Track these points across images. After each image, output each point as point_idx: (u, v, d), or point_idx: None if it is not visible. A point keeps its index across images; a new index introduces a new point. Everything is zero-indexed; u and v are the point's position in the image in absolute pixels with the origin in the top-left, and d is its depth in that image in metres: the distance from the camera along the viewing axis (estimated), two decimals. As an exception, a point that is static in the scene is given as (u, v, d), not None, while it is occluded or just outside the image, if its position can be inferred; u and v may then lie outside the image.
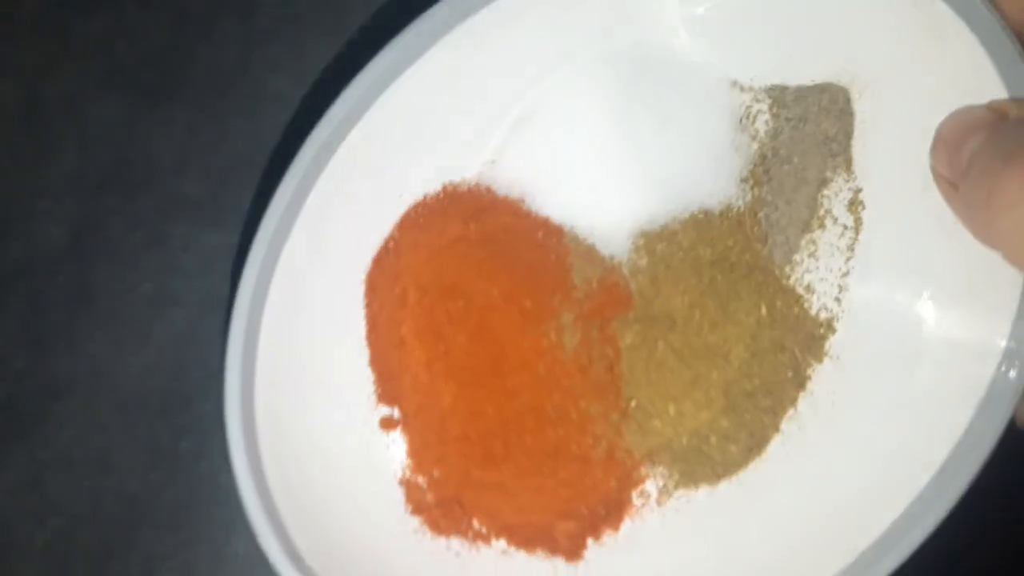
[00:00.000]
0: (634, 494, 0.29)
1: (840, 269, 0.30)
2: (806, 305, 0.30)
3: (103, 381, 0.34)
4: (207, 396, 0.34)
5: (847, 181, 0.30)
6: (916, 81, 0.28)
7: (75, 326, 0.35)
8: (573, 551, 0.29)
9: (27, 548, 0.34)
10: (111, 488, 0.34)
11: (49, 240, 0.35)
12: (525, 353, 0.28)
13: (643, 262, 0.30)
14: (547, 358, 0.28)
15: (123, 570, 0.34)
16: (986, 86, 0.26)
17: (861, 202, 0.30)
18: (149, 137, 0.35)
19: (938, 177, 0.27)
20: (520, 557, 0.29)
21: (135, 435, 0.34)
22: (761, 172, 0.30)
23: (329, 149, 0.27)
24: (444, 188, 0.30)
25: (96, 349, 0.34)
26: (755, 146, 0.30)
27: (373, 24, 0.35)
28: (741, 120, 0.31)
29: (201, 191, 0.35)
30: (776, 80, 0.31)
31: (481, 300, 0.29)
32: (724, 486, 0.29)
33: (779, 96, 0.30)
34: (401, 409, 0.30)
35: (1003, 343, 0.26)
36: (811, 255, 0.30)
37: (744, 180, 0.30)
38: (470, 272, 0.29)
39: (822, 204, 0.30)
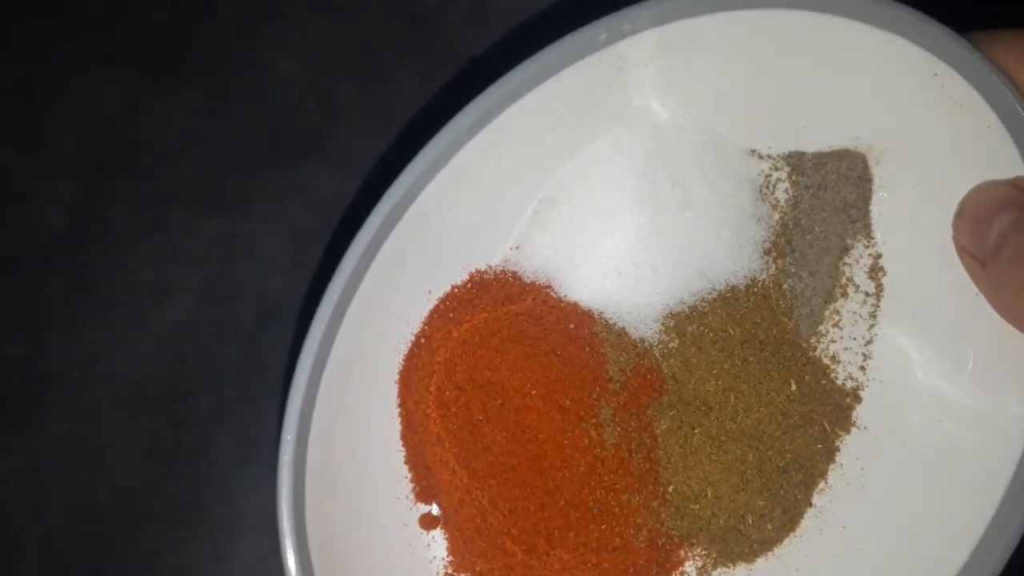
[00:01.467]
0: (675, 575, 0.30)
1: (864, 337, 0.30)
2: (833, 376, 0.30)
3: (101, 371, 0.34)
4: (208, 389, 0.33)
5: (867, 247, 0.30)
6: (934, 149, 0.28)
7: (73, 314, 0.34)
8: (619, 639, 0.29)
9: (24, 542, 0.33)
10: (108, 481, 0.33)
11: (47, 225, 0.34)
12: (565, 451, 0.28)
13: (674, 344, 0.30)
14: (587, 455, 0.28)
15: (121, 566, 0.33)
16: (1004, 158, 0.27)
17: (882, 268, 0.30)
18: (150, 119, 0.34)
19: (961, 252, 0.28)
20: (567, 649, 0.29)
21: (133, 427, 0.33)
22: (784, 243, 0.30)
23: (367, 260, 0.27)
24: (471, 277, 0.30)
25: (94, 338, 0.34)
26: (776, 216, 0.31)
27: (378, 2, 0.35)
28: (761, 189, 0.31)
29: (203, 176, 0.34)
30: (794, 147, 0.30)
31: (519, 400, 0.28)
32: (760, 563, 0.30)
33: (797, 163, 0.30)
34: (441, 506, 0.30)
35: None
36: (835, 325, 0.30)
37: (767, 252, 0.30)
38: (506, 370, 0.29)
39: (844, 272, 0.30)
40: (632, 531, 0.29)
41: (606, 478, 0.29)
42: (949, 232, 0.28)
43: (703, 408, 0.29)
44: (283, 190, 0.34)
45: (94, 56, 0.35)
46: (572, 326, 0.29)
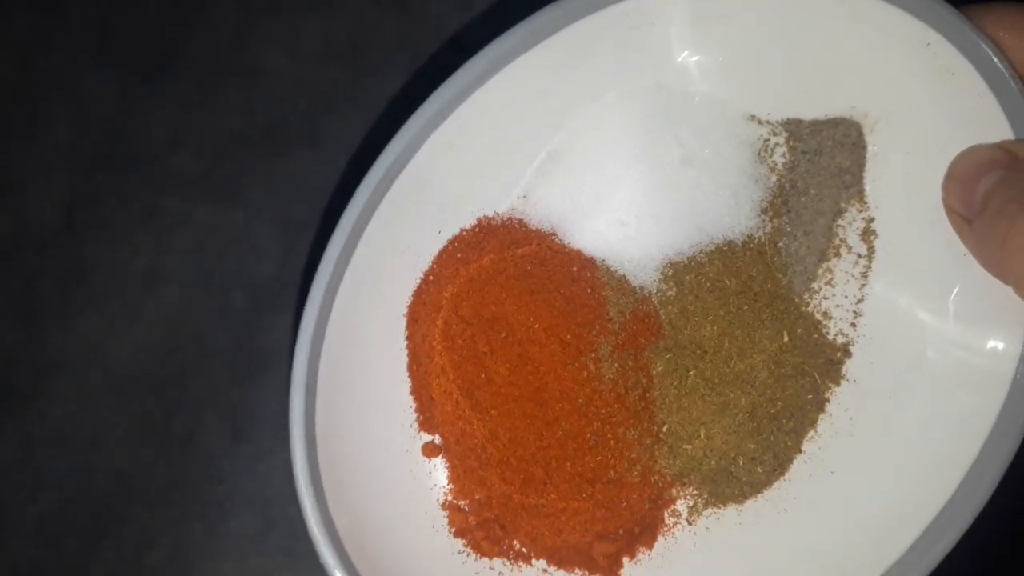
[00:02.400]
0: (666, 513, 0.31)
1: (855, 296, 0.31)
2: (824, 331, 0.31)
3: (95, 357, 0.34)
4: (200, 373, 0.34)
5: (860, 211, 0.32)
6: (926, 117, 0.30)
7: (67, 302, 0.34)
8: (610, 570, 0.30)
9: (19, 524, 0.34)
10: (103, 464, 0.34)
11: (42, 215, 0.35)
12: (565, 383, 0.30)
13: (672, 292, 0.31)
14: (586, 388, 0.30)
15: (116, 546, 0.34)
16: (993, 124, 0.28)
17: (874, 231, 0.31)
18: (143, 112, 0.35)
19: (950, 211, 0.29)
20: (560, 576, 0.30)
21: (127, 412, 0.34)
22: (780, 203, 0.32)
23: (379, 194, 0.28)
24: (479, 222, 0.31)
25: (88, 325, 0.34)
26: (774, 178, 0.32)
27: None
28: (759, 152, 0.32)
29: (195, 166, 0.35)
30: (792, 114, 0.32)
31: (522, 333, 0.30)
32: (750, 504, 0.31)
33: (795, 129, 0.32)
34: (442, 436, 0.31)
35: (1013, 370, 0.28)
36: (828, 283, 0.32)
37: (764, 211, 0.32)
38: (511, 305, 0.30)
39: (837, 234, 0.32)
40: (626, 465, 0.30)
41: (603, 411, 0.30)
42: (939, 197, 0.29)
43: (698, 352, 0.31)
44: (273, 179, 0.35)
45: (87, 51, 0.36)
46: (575, 269, 0.31)
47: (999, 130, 0.28)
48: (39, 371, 0.34)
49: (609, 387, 0.30)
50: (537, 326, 0.30)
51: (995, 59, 0.27)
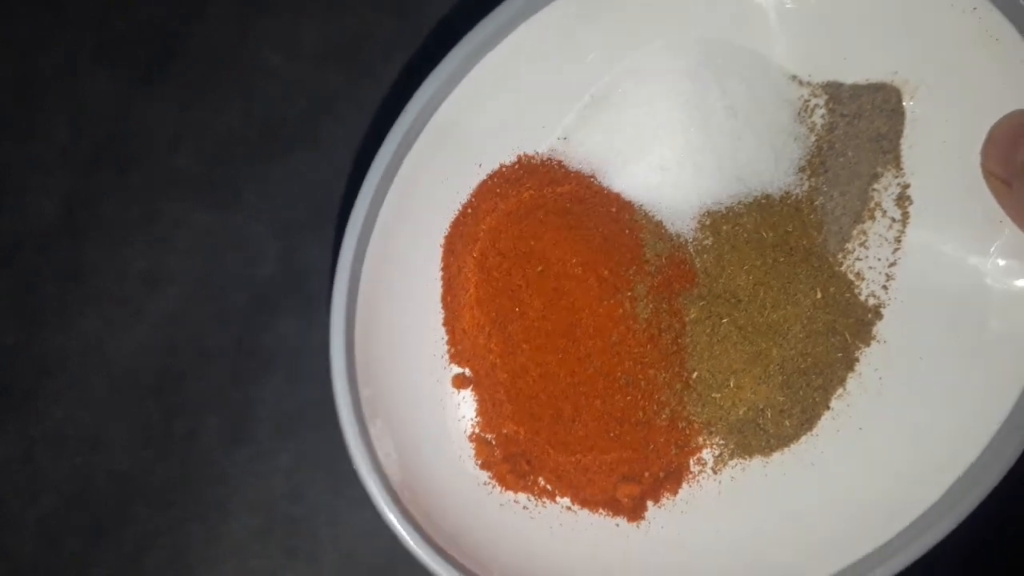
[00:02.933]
0: (692, 461, 0.31)
1: (888, 259, 0.32)
2: (856, 291, 0.31)
3: (95, 358, 0.34)
4: (200, 375, 0.34)
5: (896, 177, 0.32)
6: (966, 83, 0.30)
7: (67, 302, 0.34)
8: (634, 512, 0.30)
9: (19, 524, 0.34)
10: (103, 465, 0.34)
11: (41, 216, 0.34)
12: (600, 320, 0.29)
13: (708, 241, 0.31)
14: (620, 326, 0.29)
15: (115, 547, 0.34)
16: None
17: (909, 197, 0.31)
18: (142, 113, 0.35)
19: (988, 175, 0.29)
20: (584, 514, 0.30)
21: (127, 413, 0.34)
22: (818, 163, 0.32)
23: (420, 122, 0.28)
24: (519, 159, 0.31)
25: (88, 326, 0.34)
26: (812, 138, 0.32)
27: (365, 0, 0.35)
28: (799, 112, 0.32)
29: (195, 168, 0.35)
30: (833, 77, 0.32)
31: (559, 267, 0.30)
32: (777, 457, 0.31)
33: (835, 92, 0.32)
34: (472, 369, 0.31)
35: None
36: (862, 244, 0.32)
37: (802, 170, 0.32)
38: (548, 240, 0.30)
39: (872, 197, 0.32)
40: (655, 407, 0.30)
41: (635, 350, 0.30)
42: (976, 165, 0.29)
43: (732, 300, 0.31)
44: (272, 181, 0.35)
45: (86, 51, 0.35)
46: (614, 210, 0.30)
47: (1043, 98, 0.28)
48: (39, 372, 0.34)
49: (643, 327, 0.30)
50: (574, 260, 0.29)
51: None
